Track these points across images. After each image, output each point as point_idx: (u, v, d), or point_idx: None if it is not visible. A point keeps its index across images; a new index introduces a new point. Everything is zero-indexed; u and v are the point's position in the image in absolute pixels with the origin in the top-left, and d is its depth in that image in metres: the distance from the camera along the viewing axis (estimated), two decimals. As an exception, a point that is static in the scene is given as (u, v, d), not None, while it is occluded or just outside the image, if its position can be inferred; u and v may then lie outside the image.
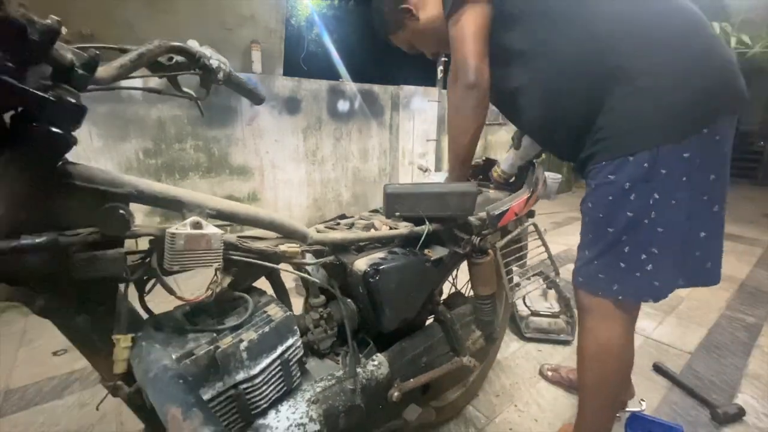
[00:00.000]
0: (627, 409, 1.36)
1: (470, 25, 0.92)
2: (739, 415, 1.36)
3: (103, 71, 0.53)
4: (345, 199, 3.55)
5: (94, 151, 2.28)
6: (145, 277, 0.64)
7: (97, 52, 0.49)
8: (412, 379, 0.98)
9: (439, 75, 3.77)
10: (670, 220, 0.85)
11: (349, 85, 3.36)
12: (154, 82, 2.04)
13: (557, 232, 3.63)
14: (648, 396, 1.45)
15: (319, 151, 3.27)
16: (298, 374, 0.78)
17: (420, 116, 3.73)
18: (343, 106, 3.33)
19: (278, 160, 3.04)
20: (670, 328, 1.96)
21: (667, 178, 0.83)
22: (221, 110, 2.66)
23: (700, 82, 0.79)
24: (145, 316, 0.70)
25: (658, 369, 1.60)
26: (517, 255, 1.27)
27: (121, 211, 0.55)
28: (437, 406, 1.24)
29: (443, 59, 3.69)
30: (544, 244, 1.29)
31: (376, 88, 3.52)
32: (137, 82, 1.94)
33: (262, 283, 0.83)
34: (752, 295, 2.36)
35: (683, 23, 0.82)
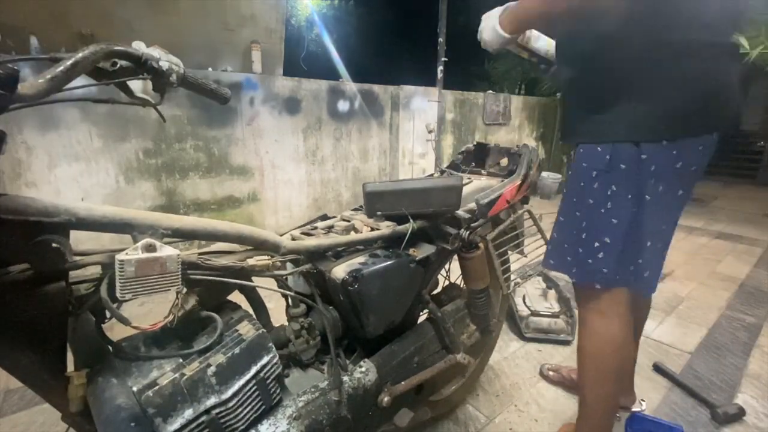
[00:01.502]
0: (630, 408, 1.36)
1: None
2: (739, 415, 1.35)
3: (29, 87, 0.47)
4: (345, 199, 3.55)
5: (94, 151, 2.28)
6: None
7: (15, 66, 0.43)
8: (403, 382, 0.95)
9: (439, 75, 3.77)
10: (624, 215, 0.88)
11: (349, 85, 3.36)
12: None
13: (557, 232, 3.63)
14: (648, 396, 1.45)
15: (319, 151, 3.27)
16: (278, 390, 0.74)
17: (420, 116, 3.73)
18: (343, 106, 3.33)
19: (278, 160, 3.04)
20: (670, 328, 1.95)
21: (626, 173, 0.86)
22: (221, 110, 2.65)
23: (680, 101, 0.81)
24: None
25: (658, 369, 1.60)
26: (514, 243, 1.25)
27: (54, 244, 0.50)
28: (432, 399, 1.20)
29: (443, 59, 3.69)
30: (540, 230, 1.27)
31: (376, 88, 3.52)
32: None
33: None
34: (752, 295, 2.35)
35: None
